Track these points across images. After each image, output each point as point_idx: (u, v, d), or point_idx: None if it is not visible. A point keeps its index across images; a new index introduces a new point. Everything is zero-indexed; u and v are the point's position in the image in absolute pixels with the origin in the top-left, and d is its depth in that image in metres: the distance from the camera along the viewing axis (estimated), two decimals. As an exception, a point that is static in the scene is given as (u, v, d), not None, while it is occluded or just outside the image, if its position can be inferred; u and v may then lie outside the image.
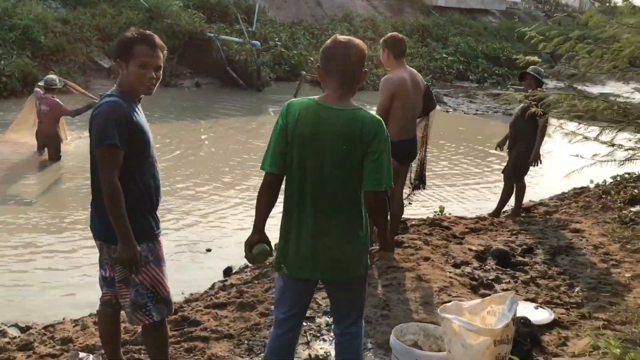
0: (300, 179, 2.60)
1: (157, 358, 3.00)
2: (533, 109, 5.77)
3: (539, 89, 6.27)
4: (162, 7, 17.17)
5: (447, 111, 15.86)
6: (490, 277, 4.71)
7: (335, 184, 2.58)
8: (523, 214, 6.82)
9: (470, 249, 5.31)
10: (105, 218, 2.65)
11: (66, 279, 5.23)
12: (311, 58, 19.51)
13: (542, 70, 6.66)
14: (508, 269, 4.92)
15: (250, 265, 5.29)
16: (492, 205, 7.19)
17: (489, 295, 4.44)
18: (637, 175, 7.90)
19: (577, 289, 4.52)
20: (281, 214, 2.70)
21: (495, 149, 6.99)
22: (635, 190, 6.92)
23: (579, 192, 7.83)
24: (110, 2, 17.54)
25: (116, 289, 2.84)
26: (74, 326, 4.03)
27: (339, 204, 2.61)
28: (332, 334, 3.58)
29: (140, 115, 2.80)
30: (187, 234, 6.36)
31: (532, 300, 4.29)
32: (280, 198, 2.69)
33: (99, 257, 2.93)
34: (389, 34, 5.05)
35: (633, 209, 6.28)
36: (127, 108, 2.69)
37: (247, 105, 14.92)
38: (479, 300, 2.97)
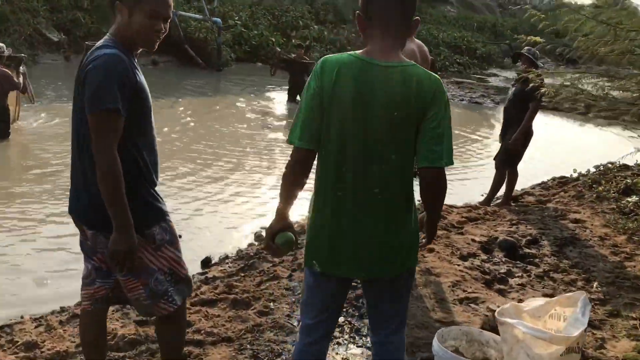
0: (339, 154, 2.08)
1: (175, 351, 2.58)
2: (532, 84, 5.53)
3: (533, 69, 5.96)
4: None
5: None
6: (502, 271, 4.32)
7: (383, 160, 2.08)
8: (512, 203, 6.50)
9: (473, 240, 4.92)
10: (99, 201, 2.09)
11: (18, 267, 4.52)
12: (272, 39, 18.88)
13: (537, 51, 6.33)
14: (518, 262, 4.55)
15: (234, 256, 4.76)
16: (474, 192, 6.89)
17: (504, 289, 4.14)
18: (621, 165, 7.73)
19: (595, 284, 4.19)
20: (309, 198, 2.20)
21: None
22: (628, 180, 6.70)
23: (563, 182, 7.60)
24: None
25: (113, 282, 2.33)
26: (35, 327, 3.41)
27: (386, 184, 2.11)
28: (360, 340, 3.10)
29: (142, 75, 2.24)
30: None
31: (551, 296, 3.93)
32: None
33: (84, 246, 2.36)
34: None
35: (630, 200, 6.03)
36: (129, 64, 2.13)
37: (207, 86, 14.19)
38: (540, 301, 2.54)
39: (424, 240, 2.36)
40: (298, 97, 12.08)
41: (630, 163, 7.75)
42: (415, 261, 2.28)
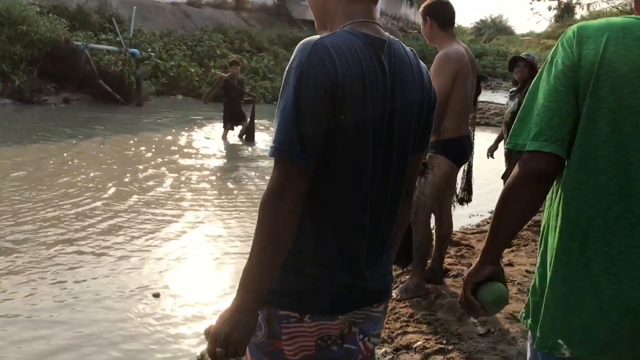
0: (618, 166, 1.33)
1: None
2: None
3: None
4: (14, 12, 14.52)
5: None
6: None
7: None
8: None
9: (528, 271, 4.26)
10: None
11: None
12: (191, 69, 17.84)
13: (536, 56, 5.88)
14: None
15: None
16: (472, 213, 6.36)
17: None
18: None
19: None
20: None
21: (488, 157, 6.14)
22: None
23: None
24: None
25: None
26: None
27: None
28: None
29: None
30: (115, 271, 4.69)
31: None
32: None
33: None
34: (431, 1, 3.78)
35: None
36: None
37: (127, 123, 12.82)
38: None
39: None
40: (235, 129, 11.02)
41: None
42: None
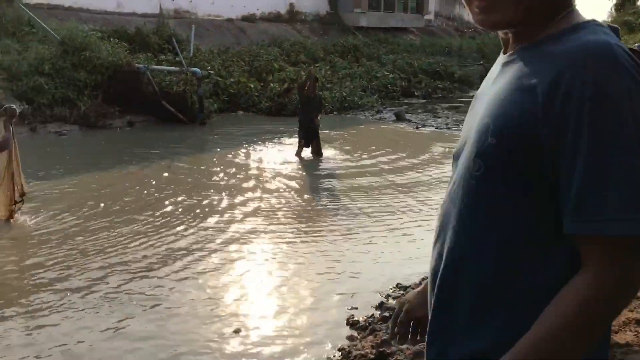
0: None
1: None
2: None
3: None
4: (77, 39, 14.65)
5: (418, 128, 14.46)
6: None
7: None
8: None
9: None
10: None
11: None
12: (250, 85, 17.65)
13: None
14: None
15: None
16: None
17: None
18: None
19: None
20: None
21: None
22: None
23: None
24: (14, 37, 14.86)
25: None
26: None
27: None
28: None
29: None
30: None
31: None
32: None
33: None
34: None
35: None
36: None
37: (194, 142, 12.72)
38: None
39: None
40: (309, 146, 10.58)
41: None
42: None
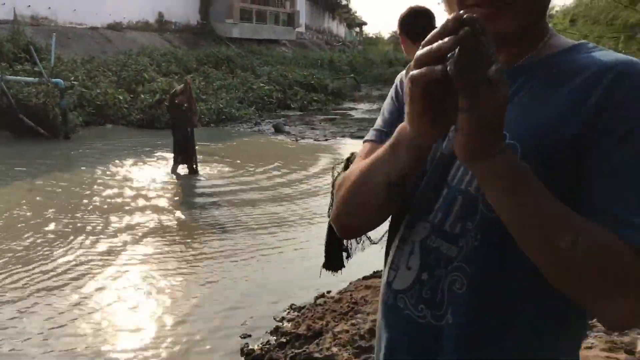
0: None
1: None
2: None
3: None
4: None
5: (297, 140, 14.43)
6: None
7: None
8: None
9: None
10: None
11: None
12: (119, 96, 16.69)
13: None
14: None
15: None
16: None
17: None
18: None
19: None
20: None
21: None
22: None
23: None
24: None
25: None
26: None
27: None
28: None
29: None
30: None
31: None
32: None
33: None
34: (403, 13, 3.20)
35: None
36: None
37: (60, 159, 11.68)
38: None
39: None
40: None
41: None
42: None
